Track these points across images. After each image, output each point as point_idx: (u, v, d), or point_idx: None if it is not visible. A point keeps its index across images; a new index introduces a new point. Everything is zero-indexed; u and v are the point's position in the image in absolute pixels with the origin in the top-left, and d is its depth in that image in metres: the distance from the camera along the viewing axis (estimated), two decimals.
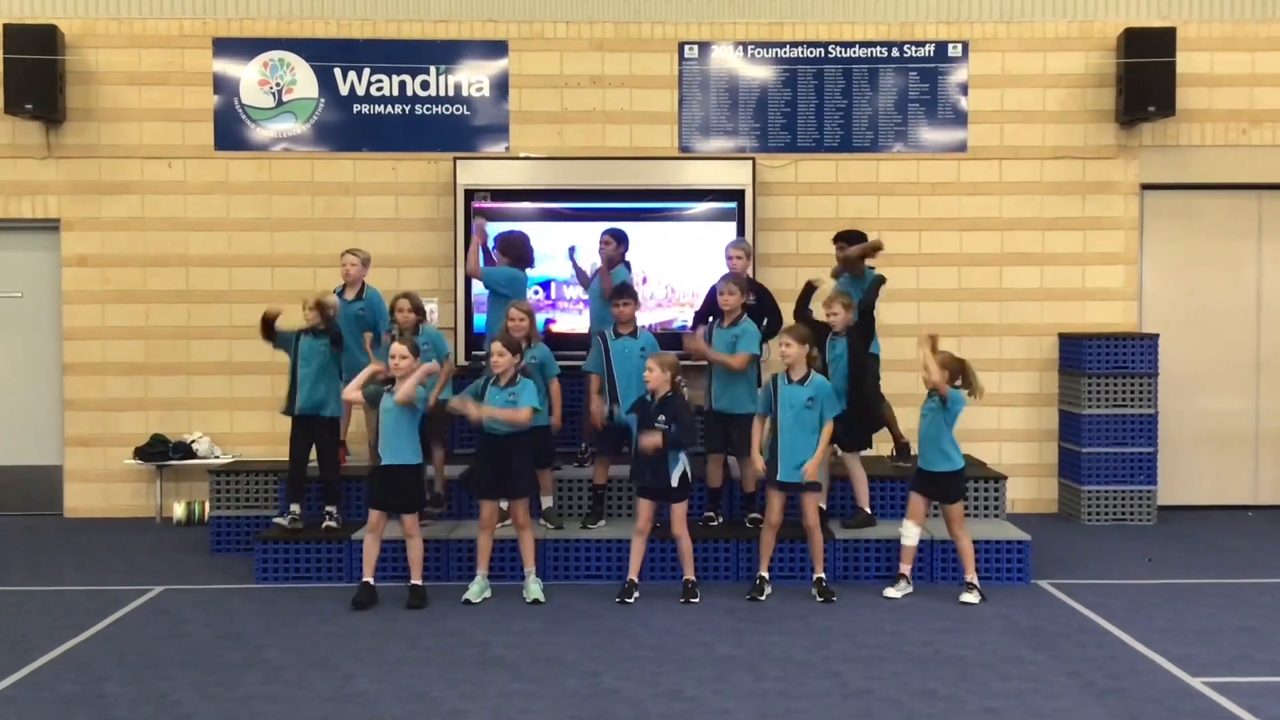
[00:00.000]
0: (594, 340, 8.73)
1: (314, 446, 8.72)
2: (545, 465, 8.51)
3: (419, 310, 8.64)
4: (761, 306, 8.84)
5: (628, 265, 9.23)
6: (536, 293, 10.11)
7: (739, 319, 8.45)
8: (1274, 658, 6.66)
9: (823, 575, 7.91)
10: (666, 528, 8.00)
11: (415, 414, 7.74)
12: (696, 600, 7.75)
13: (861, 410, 8.42)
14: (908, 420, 9.19)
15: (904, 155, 10.81)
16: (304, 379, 8.62)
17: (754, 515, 8.60)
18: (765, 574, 7.93)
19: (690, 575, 7.89)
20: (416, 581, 7.77)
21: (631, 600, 7.75)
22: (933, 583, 8.16)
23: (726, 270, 8.90)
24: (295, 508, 8.64)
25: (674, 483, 7.77)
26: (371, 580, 7.76)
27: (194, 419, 10.70)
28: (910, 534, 7.90)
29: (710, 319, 8.67)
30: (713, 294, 8.81)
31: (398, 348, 7.72)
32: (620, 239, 9.14)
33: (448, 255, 10.48)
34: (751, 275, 9.24)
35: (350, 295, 9.22)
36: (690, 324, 9.36)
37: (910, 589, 7.88)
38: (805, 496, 7.84)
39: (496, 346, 7.77)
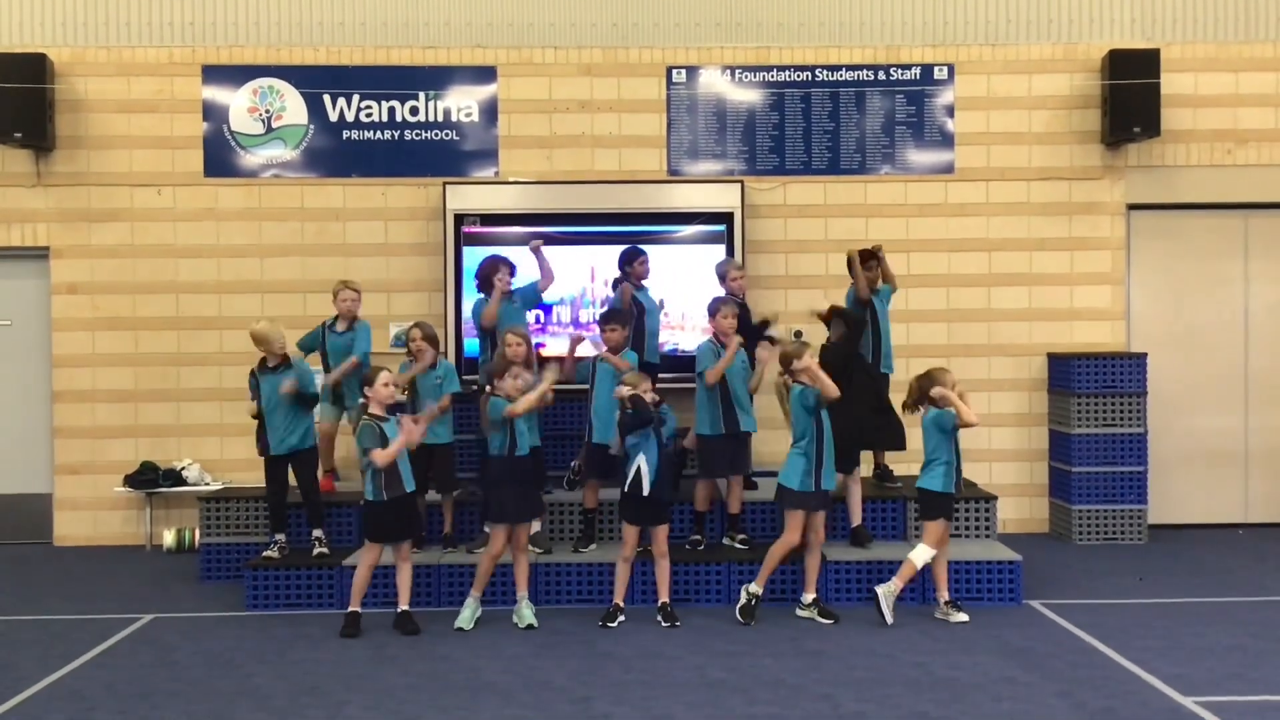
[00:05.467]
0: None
1: (291, 475, 8.71)
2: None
3: (432, 339, 8.62)
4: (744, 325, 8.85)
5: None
6: (538, 319, 10.17)
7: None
8: (1266, 677, 6.67)
9: (816, 595, 7.92)
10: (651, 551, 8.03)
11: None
12: (679, 624, 7.74)
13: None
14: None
15: (892, 177, 10.86)
16: (272, 423, 8.52)
17: (742, 537, 8.61)
18: (760, 590, 7.88)
19: (666, 598, 7.89)
20: (405, 607, 7.75)
21: (615, 624, 7.75)
22: (925, 604, 8.15)
23: (722, 291, 8.95)
24: (280, 537, 8.64)
25: (646, 489, 7.75)
26: (359, 610, 7.74)
27: (184, 446, 10.67)
28: (929, 558, 7.87)
29: (713, 343, 8.53)
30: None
31: (386, 375, 7.74)
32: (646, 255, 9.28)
33: (438, 280, 10.49)
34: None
35: (342, 327, 9.26)
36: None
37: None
38: (819, 514, 7.85)
39: (518, 367, 7.88)
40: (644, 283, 9.23)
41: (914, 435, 8.32)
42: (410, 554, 7.86)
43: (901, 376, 9.22)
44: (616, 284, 9.22)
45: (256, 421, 8.63)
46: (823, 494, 7.78)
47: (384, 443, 7.55)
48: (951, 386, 7.81)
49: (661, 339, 9.58)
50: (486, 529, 7.99)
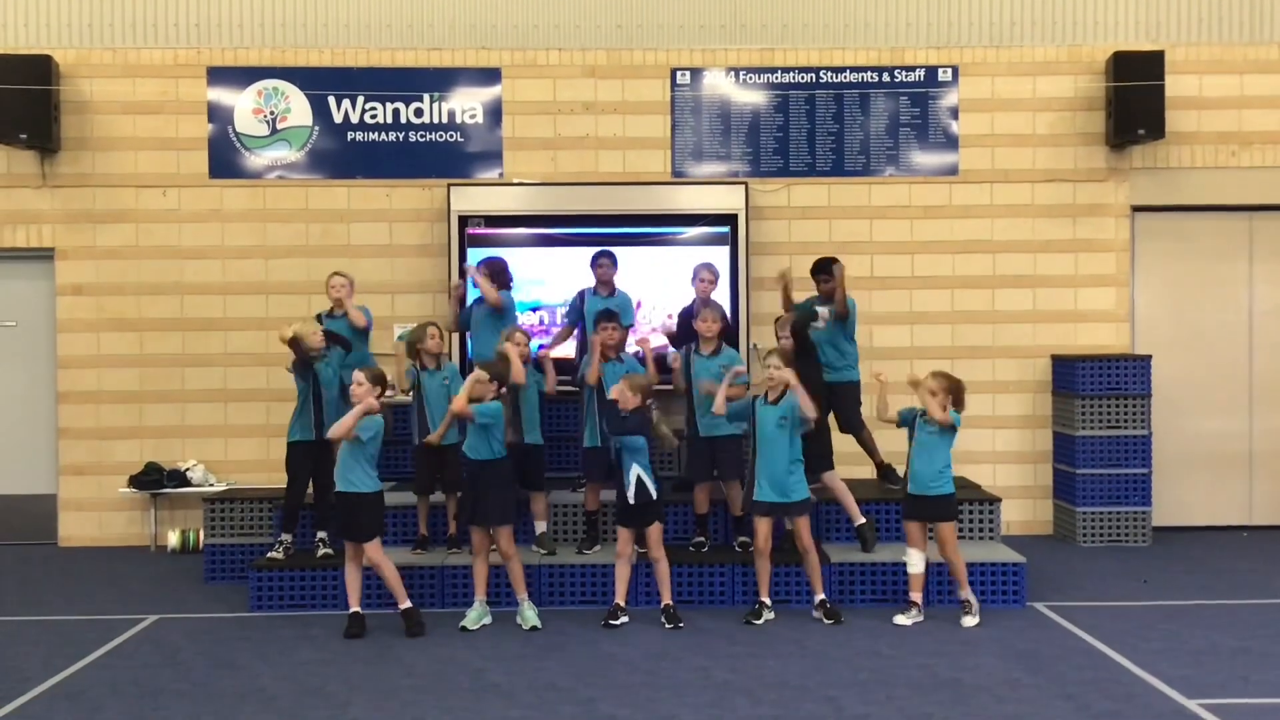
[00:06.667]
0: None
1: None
2: (535, 488, 8.56)
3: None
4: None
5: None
6: (541, 320, 10.18)
7: (719, 348, 8.47)
8: (1270, 679, 6.66)
9: (824, 596, 7.92)
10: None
11: (362, 444, 7.56)
12: (682, 625, 7.74)
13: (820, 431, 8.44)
14: (890, 443, 9.17)
15: (896, 179, 10.86)
16: (328, 404, 8.48)
17: (743, 539, 8.60)
18: (767, 600, 7.92)
19: (668, 600, 7.88)
20: (405, 605, 7.71)
21: (617, 623, 7.76)
22: (929, 606, 8.13)
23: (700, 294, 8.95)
24: (287, 537, 8.62)
25: (631, 498, 7.76)
26: (359, 610, 7.72)
27: (188, 447, 10.69)
28: (916, 561, 7.88)
29: (690, 345, 8.64)
30: (686, 316, 8.87)
31: (357, 374, 7.68)
32: (610, 260, 9.23)
33: (442, 281, 10.50)
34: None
35: (339, 312, 9.24)
36: (668, 344, 9.51)
37: (920, 617, 7.83)
38: (797, 520, 7.85)
39: (482, 374, 7.80)
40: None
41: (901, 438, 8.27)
42: (382, 556, 7.64)
43: (897, 378, 9.24)
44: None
45: (308, 411, 8.50)
46: (756, 503, 7.83)
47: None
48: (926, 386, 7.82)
49: (664, 341, 9.60)
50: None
